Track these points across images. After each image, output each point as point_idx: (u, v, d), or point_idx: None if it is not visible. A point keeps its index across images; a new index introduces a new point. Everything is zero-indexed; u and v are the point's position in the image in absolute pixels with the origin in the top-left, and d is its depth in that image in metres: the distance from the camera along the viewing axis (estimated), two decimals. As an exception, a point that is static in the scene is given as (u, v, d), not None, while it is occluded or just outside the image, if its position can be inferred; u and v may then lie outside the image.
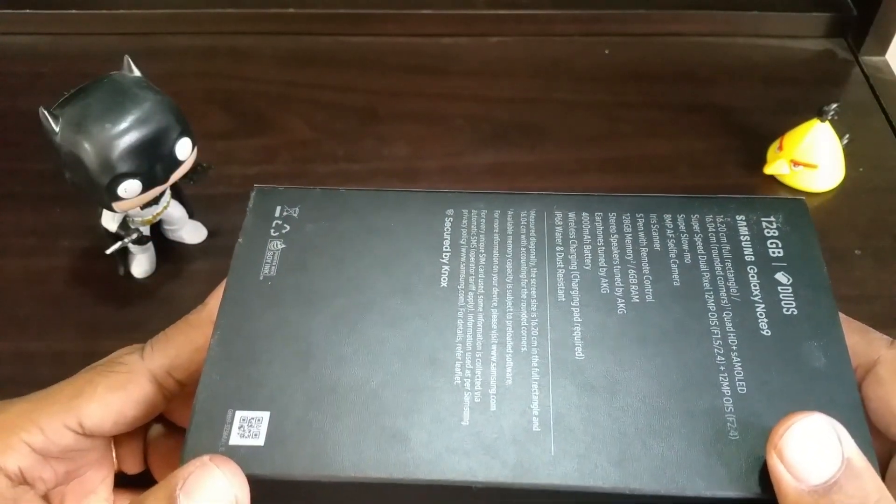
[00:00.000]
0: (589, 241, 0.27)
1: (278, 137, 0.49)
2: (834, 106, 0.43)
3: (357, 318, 0.25)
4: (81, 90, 0.34)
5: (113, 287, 0.41)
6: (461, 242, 0.27)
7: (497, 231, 0.27)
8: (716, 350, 0.24)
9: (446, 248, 0.27)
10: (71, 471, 0.27)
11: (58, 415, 0.25)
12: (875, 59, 0.54)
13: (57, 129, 0.33)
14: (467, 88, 0.52)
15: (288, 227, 0.27)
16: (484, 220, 0.27)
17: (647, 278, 0.26)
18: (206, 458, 0.21)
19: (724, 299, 0.25)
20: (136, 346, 0.27)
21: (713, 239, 0.27)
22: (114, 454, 0.29)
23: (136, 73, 0.35)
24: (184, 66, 0.54)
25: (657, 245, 0.27)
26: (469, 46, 0.55)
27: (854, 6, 0.55)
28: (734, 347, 0.24)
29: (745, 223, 0.27)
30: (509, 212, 0.27)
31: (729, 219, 0.27)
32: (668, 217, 0.27)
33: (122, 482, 0.29)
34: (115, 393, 0.25)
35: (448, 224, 0.27)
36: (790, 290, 0.25)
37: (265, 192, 0.28)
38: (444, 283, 0.26)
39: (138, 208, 0.37)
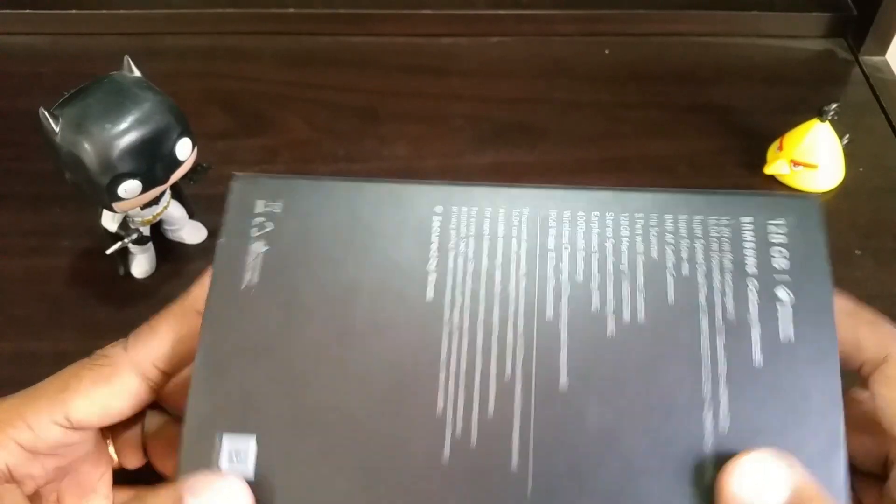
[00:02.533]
0: (583, 246, 0.25)
1: (278, 137, 0.49)
2: (834, 106, 0.43)
3: (342, 334, 0.24)
4: (81, 90, 0.34)
5: (113, 287, 0.41)
6: (450, 247, 0.26)
7: (487, 233, 0.26)
8: (703, 381, 0.24)
9: (433, 251, 0.26)
10: (61, 467, 0.27)
11: (44, 410, 0.25)
12: (875, 59, 0.54)
13: (57, 129, 0.33)
14: (467, 88, 0.52)
15: (271, 226, 0.26)
16: (474, 221, 0.26)
17: (640, 292, 0.25)
18: (209, 475, 0.22)
19: (718, 319, 0.24)
20: (123, 339, 0.27)
21: (715, 246, 0.25)
22: (112, 450, 0.29)
23: (136, 73, 0.35)
24: (184, 66, 0.53)
25: (654, 253, 0.25)
26: (469, 46, 0.55)
27: (854, 6, 0.55)
28: (723, 378, 0.24)
29: (751, 226, 0.26)
30: (501, 210, 0.26)
31: (734, 221, 0.26)
32: (669, 218, 0.26)
33: (125, 478, 0.29)
34: (99, 386, 0.25)
35: (437, 224, 0.26)
36: (789, 311, 0.24)
37: (245, 182, 0.26)
38: (430, 296, 0.25)
39: (138, 208, 0.37)
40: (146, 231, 0.40)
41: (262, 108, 0.51)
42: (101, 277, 0.41)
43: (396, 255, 0.25)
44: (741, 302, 0.25)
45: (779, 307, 0.24)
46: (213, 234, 0.43)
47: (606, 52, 0.55)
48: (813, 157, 0.44)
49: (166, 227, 0.42)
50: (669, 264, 0.25)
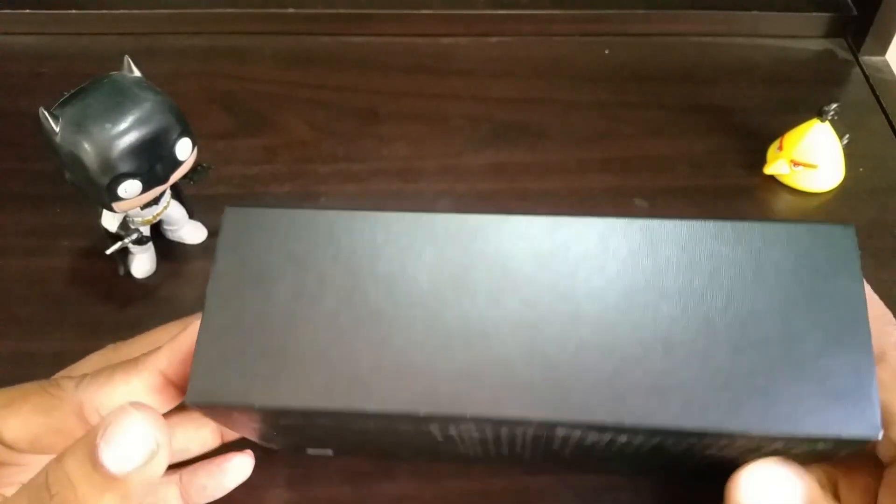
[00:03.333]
0: (591, 442, 0.25)
1: (278, 137, 0.49)
2: (834, 106, 0.43)
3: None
4: (81, 90, 0.34)
5: (113, 287, 0.41)
6: (451, 434, 0.25)
7: (491, 434, 0.25)
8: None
9: (435, 429, 0.25)
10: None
11: None
12: (875, 59, 0.54)
13: (57, 129, 0.33)
14: (467, 88, 0.52)
15: None
16: (476, 433, 0.25)
17: (643, 449, 0.26)
18: (125, 404, 0.21)
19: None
20: (83, 374, 0.26)
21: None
22: None
23: (136, 73, 0.35)
24: (184, 66, 0.53)
25: (668, 446, 0.25)
26: (469, 46, 0.55)
27: (854, 6, 0.55)
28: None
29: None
30: (503, 429, 0.24)
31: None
32: (690, 442, 0.23)
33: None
34: (38, 415, 0.24)
35: (436, 430, 0.25)
36: None
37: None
38: (439, 438, 0.26)
39: (138, 208, 0.37)
40: (146, 231, 0.40)
41: (262, 108, 0.51)
42: (101, 277, 0.41)
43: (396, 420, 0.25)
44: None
45: None
46: (213, 234, 0.43)
47: (606, 52, 0.55)
48: (813, 157, 0.44)
49: (166, 227, 0.42)
50: (679, 450, 0.25)
